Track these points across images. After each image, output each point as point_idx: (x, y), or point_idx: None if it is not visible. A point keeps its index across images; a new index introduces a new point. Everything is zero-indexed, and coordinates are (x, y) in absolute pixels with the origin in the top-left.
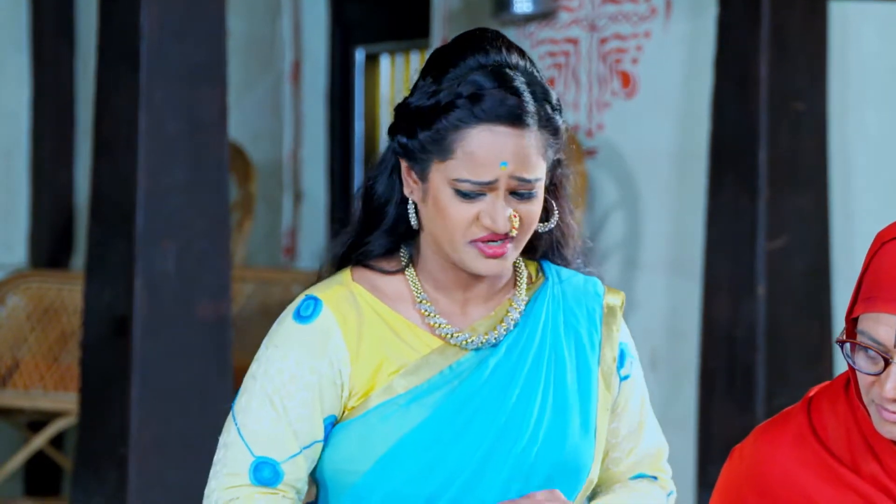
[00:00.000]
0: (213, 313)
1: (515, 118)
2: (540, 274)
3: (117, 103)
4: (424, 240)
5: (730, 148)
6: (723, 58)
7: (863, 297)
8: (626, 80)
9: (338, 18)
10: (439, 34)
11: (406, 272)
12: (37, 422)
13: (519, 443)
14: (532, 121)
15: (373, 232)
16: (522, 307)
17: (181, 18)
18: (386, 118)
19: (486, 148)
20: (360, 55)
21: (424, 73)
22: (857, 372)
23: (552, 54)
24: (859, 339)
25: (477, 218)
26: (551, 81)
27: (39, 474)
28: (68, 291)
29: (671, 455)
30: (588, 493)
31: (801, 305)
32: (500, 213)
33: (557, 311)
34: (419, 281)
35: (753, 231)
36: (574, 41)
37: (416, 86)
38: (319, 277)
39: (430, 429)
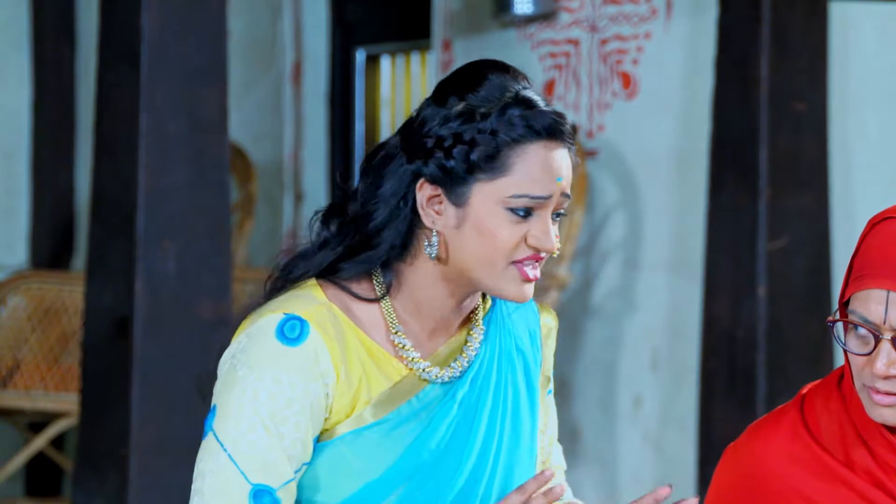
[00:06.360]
0: (214, 314)
1: (563, 135)
2: (487, 298)
3: (118, 103)
4: (421, 268)
5: (730, 148)
6: (723, 58)
7: (853, 277)
8: (626, 80)
9: (338, 19)
10: (440, 35)
11: (382, 302)
12: (37, 422)
13: (482, 479)
14: (569, 139)
15: (354, 255)
16: (481, 336)
17: (182, 19)
18: (387, 119)
19: (545, 163)
20: (360, 56)
21: (440, 98)
22: (850, 355)
23: (553, 55)
24: (850, 318)
25: (524, 239)
26: (552, 82)
27: (40, 475)
28: (69, 292)
29: (672, 455)
30: None
31: (802, 306)
32: (551, 230)
33: (507, 335)
34: (394, 310)
35: (754, 231)
36: (575, 42)
37: (429, 111)
38: (269, 293)
39: (405, 464)
